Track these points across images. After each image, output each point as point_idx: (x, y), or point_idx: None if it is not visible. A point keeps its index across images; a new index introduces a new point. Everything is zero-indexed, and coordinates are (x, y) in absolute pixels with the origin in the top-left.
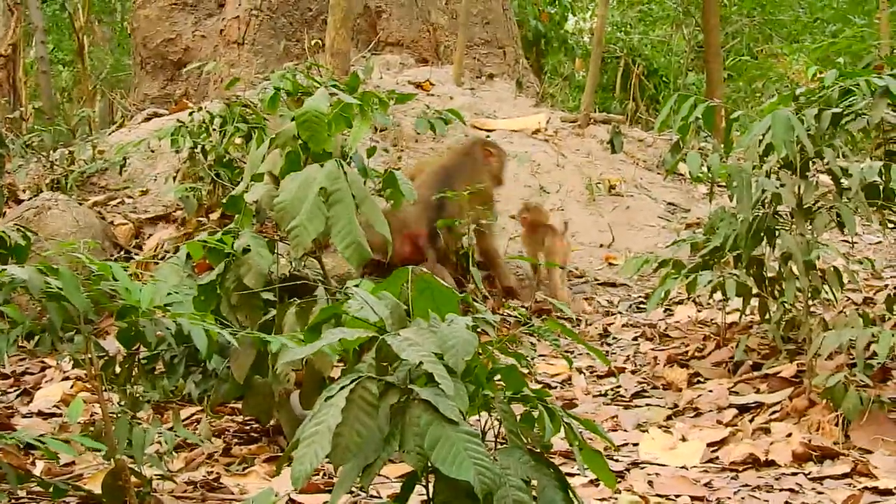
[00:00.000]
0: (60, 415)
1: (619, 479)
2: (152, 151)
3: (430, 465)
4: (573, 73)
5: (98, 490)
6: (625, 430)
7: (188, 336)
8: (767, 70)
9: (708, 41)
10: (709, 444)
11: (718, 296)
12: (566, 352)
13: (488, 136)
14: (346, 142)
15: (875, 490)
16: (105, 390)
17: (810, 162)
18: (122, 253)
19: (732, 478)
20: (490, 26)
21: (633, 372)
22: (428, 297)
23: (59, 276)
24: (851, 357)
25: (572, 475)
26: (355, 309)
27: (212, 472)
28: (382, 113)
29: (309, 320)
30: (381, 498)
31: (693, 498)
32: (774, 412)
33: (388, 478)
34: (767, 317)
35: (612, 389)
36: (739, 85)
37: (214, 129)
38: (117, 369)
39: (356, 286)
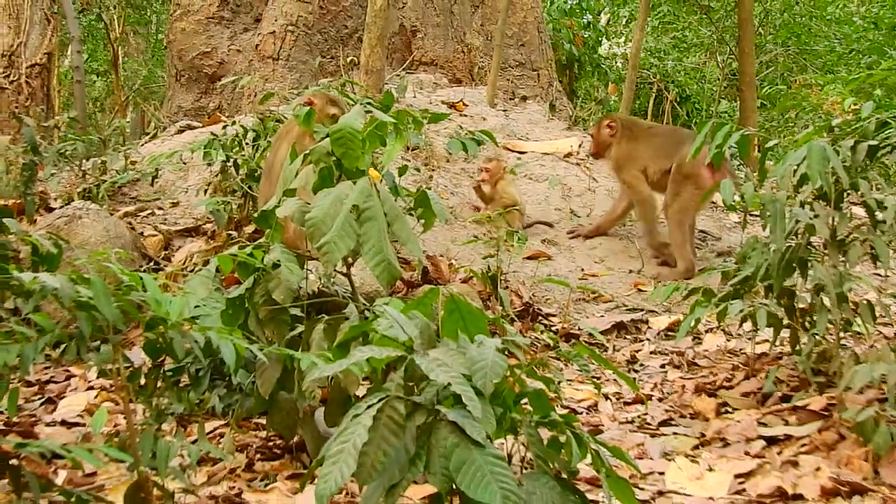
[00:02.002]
0: (84, 425)
1: None
2: (184, 164)
3: (455, 487)
4: (606, 98)
5: (120, 501)
6: (651, 459)
7: (215, 349)
8: (801, 100)
9: (742, 69)
10: (736, 476)
11: (748, 326)
12: (594, 377)
13: (519, 159)
14: (380, 160)
15: None
16: (130, 401)
17: (845, 193)
18: (152, 264)
19: None
20: (525, 48)
21: (660, 400)
22: (457, 318)
23: (90, 285)
24: (882, 392)
25: (598, 503)
26: (384, 327)
27: (234, 487)
28: (416, 132)
29: (337, 337)
30: None
31: None
32: (803, 445)
33: (412, 499)
34: (798, 348)
35: (639, 417)
36: (772, 114)
37: (247, 143)
38: (143, 380)
39: (385, 304)
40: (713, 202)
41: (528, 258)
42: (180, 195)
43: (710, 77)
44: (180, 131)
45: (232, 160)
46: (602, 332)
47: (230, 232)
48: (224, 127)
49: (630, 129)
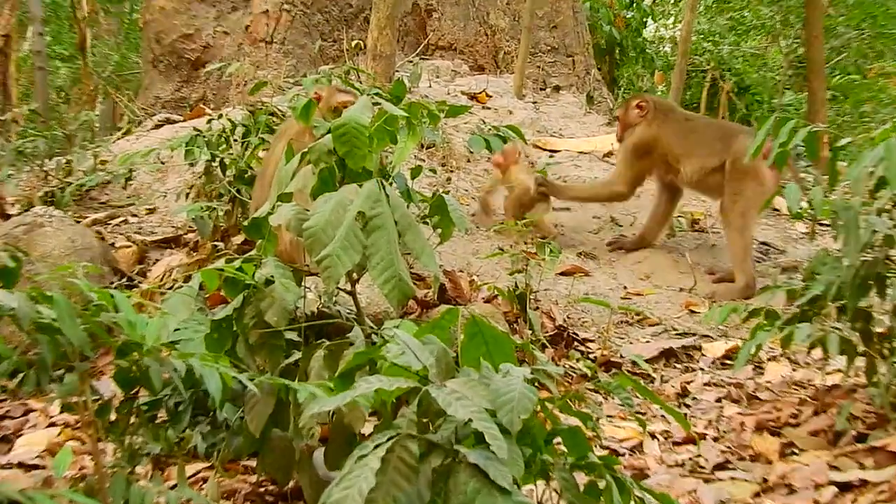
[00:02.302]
0: (45, 467)
1: None
2: (162, 164)
3: None
4: (652, 87)
5: None
6: None
7: (198, 379)
8: (878, 91)
9: (810, 55)
10: None
11: (818, 353)
12: (638, 413)
13: (552, 157)
14: (389, 159)
15: None
16: (99, 440)
17: None
18: (124, 280)
19: None
20: (557, 31)
21: (715, 439)
22: (479, 344)
23: (52, 304)
24: None
25: None
26: (394, 354)
27: None
28: (432, 127)
29: (339, 366)
30: None
31: None
32: (881, 492)
33: None
34: (875, 379)
35: (690, 459)
36: (845, 108)
37: (236, 140)
38: (113, 416)
39: (396, 328)
40: (775, 209)
41: (562, 274)
42: (158, 200)
43: (772, 64)
44: (158, 126)
45: (218, 160)
46: (648, 361)
47: (216, 243)
48: (209, 121)
49: (664, 115)
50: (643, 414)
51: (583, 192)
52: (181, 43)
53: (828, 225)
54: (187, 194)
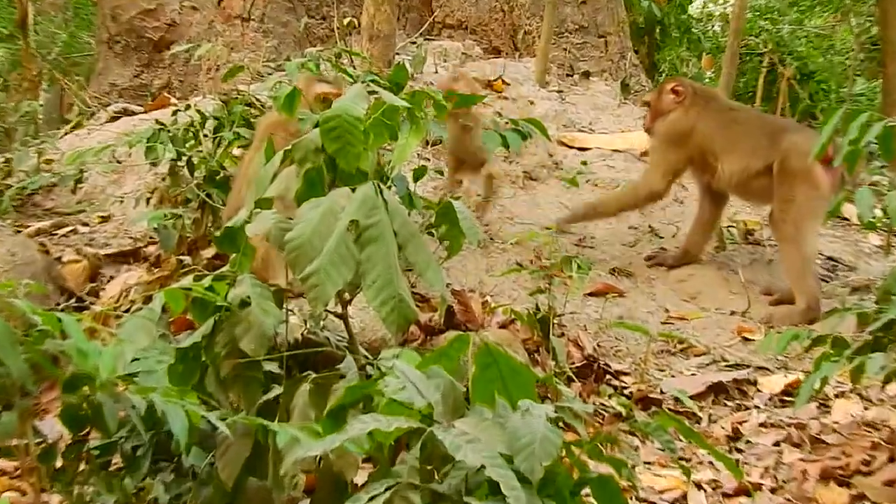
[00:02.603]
0: None
1: None
2: (119, 163)
3: None
4: (699, 73)
5: None
6: None
7: (160, 419)
8: None
9: (885, 36)
10: None
11: (894, 388)
12: (681, 459)
13: (584, 163)
14: (388, 158)
15: None
16: (42, 490)
17: None
18: (73, 301)
19: None
20: (587, 7)
21: (773, 490)
22: (494, 377)
23: None
24: None
25: None
26: (393, 389)
27: None
28: (438, 121)
29: (328, 403)
30: None
31: None
32: None
33: None
34: None
35: None
36: None
37: (206, 135)
38: (60, 461)
39: (395, 358)
40: (844, 218)
41: (592, 295)
42: (113, 206)
43: (840, 47)
44: (114, 118)
45: (185, 158)
46: (693, 397)
47: (181, 257)
48: (174, 112)
49: (705, 102)
50: (687, 460)
51: (610, 205)
52: (141, 20)
53: None
54: (148, 199)
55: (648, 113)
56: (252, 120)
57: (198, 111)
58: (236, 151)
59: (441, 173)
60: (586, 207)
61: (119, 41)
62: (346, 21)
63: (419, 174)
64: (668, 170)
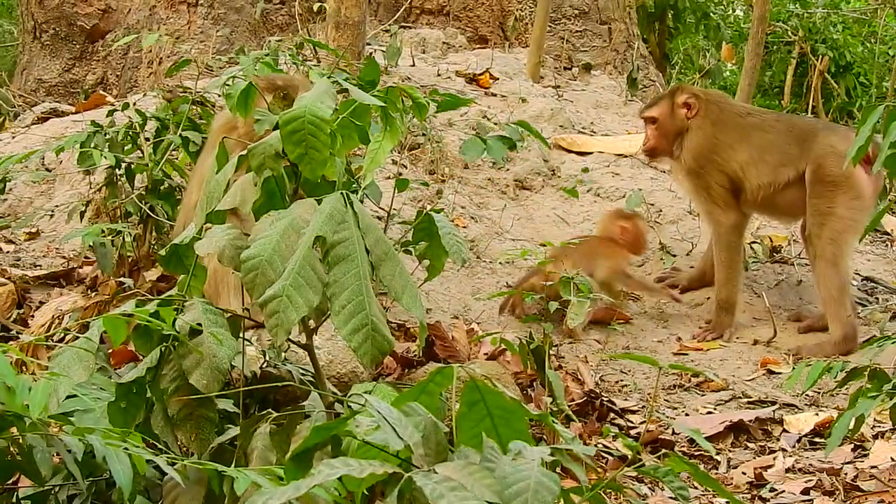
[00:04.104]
0: None
1: None
2: (48, 171)
3: None
4: (718, 66)
5: None
6: None
7: (100, 464)
8: None
9: None
10: None
11: None
12: None
13: (586, 170)
14: (359, 165)
15: None
16: None
17: None
18: None
19: None
20: None
21: None
22: (481, 415)
23: None
24: None
25: None
26: (366, 430)
27: None
28: (417, 122)
29: (291, 445)
30: None
31: None
32: None
33: None
34: None
35: None
36: None
37: (148, 139)
38: None
39: (368, 393)
40: (886, 232)
41: (595, 321)
42: (42, 221)
43: (882, 35)
44: (41, 119)
45: (124, 165)
46: (709, 438)
47: (122, 279)
48: (111, 113)
49: (719, 109)
50: None
51: (723, 265)
52: (72, 5)
53: None
54: (82, 213)
55: (653, 131)
56: (200, 121)
57: (138, 111)
58: (182, 158)
59: (426, 184)
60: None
61: (46, 30)
62: (315, 6)
63: (402, 186)
64: (722, 197)
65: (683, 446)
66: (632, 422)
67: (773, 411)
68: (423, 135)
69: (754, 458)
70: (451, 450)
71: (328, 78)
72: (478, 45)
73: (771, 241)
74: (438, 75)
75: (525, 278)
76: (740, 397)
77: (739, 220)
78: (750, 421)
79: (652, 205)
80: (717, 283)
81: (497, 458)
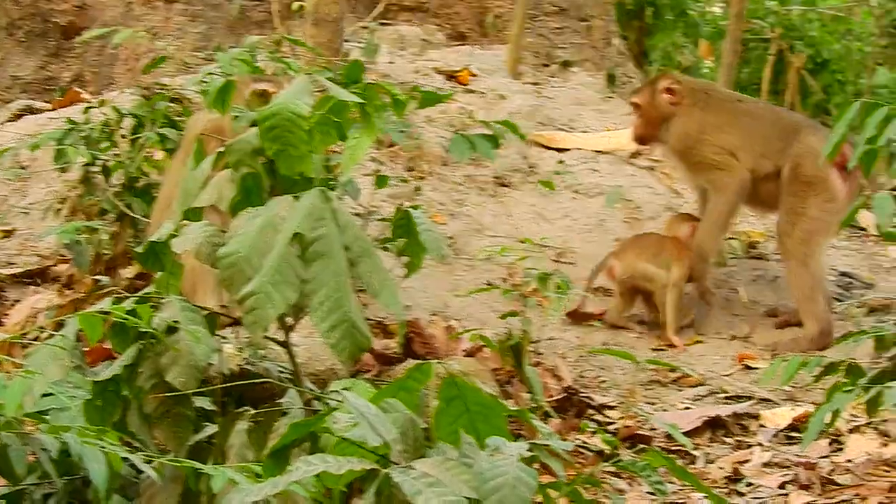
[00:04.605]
0: None
1: None
2: (23, 168)
3: None
4: (696, 63)
5: None
6: None
7: (76, 462)
8: None
9: None
10: None
11: None
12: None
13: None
14: (337, 162)
15: None
16: None
17: None
18: None
19: None
20: None
21: None
22: (460, 411)
23: None
24: None
25: None
26: (344, 426)
27: None
28: (396, 119)
29: (269, 442)
30: None
31: None
32: None
33: None
34: None
35: None
36: None
37: (124, 136)
38: None
39: (346, 390)
40: (860, 228)
41: (573, 317)
42: (17, 219)
43: (860, 31)
44: (16, 117)
45: (100, 162)
46: (687, 433)
47: (98, 277)
48: (87, 110)
49: (706, 96)
50: (681, 503)
51: (720, 217)
52: (47, 2)
53: None
54: (58, 211)
55: (638, 118)
56: (177, 118)
57: (114, 108)
58: (159, 155)
59: (405, 181)
60: (700, 237)
61: (21, 27)
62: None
63: (381, 183)
64: (723, 161)
65: (661, 442)
66: (610, 417)
67: (750, 406)
68: (402, 131)
69: (731, 452)
70: (429, 446)
71: (307, 76)
72: (456, 42)
73: (748, 236)
74: (417, 72)
75: (596, 271)
76: (717, 393)
77: (746, 178)
78: (727, 416)
79: (630, 201)
80: (702, 233)
81: (475, 454)
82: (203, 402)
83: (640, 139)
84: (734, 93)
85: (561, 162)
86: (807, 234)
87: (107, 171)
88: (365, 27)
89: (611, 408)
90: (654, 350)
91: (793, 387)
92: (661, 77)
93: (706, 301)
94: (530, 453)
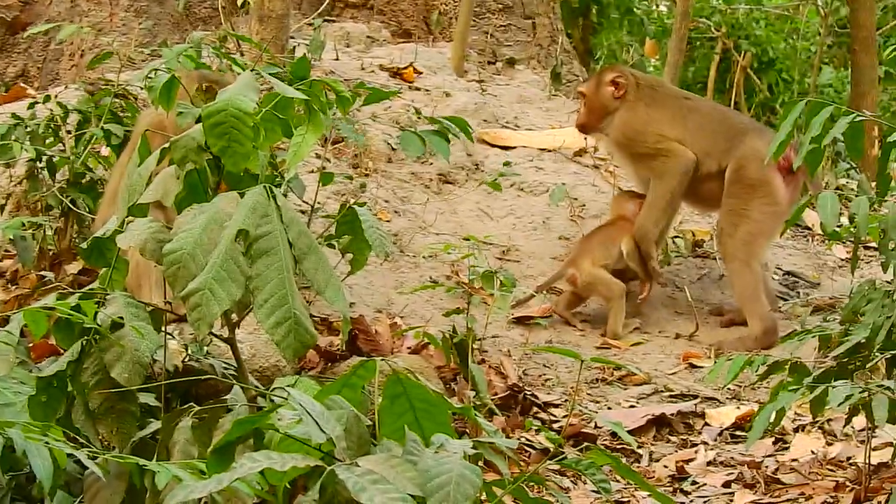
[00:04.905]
0: None
1: None
2: None
3: None
4: (641, 61)
5: None
6: None
7: (19, 458)
8: None
9: (855, 19)
10: None
11: (860, 420)
12: (618, 502)
13: (507, 164)
14: (282, 159)
15: None
16: None
17: None
18: None
19: None
20: None
21: None
22: (404, 408)
23: None
24: None
25: None
26: (289, 423)
27: None
28: (341, 116)
29: (213, 439)
30: None
31: None
32: None
33: None
34: None
35: None
36: None
37: (69, 132)
38: None
39: (290, 387)
40: (806, 227)
41: (518, 318)
42: None
43: (805, 31)
44: None
45: (45, 158)
46: (632, 432)
47: (42, 272)
48: (32, 105)
49: (652, 90)
50: (625, 502)
51: (659, 203)
52: None
53: (876, 248)
54: (3, 206)
55: (583, 107)
56: (122, 114)
57: (59, 104)
58: (104, 151)
59: (351, 178)
60: (640, 223)
61: None
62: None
63: (326, 180)
64: (666, 148)
65: (606, 440)
66: (554, 416)
67: (695, 405)
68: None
69: (676, 451)
70: (374, 443)
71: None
72: (402, 40)
73: (693, 235)
74: (362, 69)
75: (554, 278)
76: (662, 391)
77: (689, 161)
78: (672, 414)
79: (575, 199)
80: (643, 216)
81: (419, 452)
82: (147, 399)
83: (583, 128)
84: (682, 90)
85: (507, 163)
86: (749, 236)
87: (52, 167)
88: (310, 24)
89: (555, 406)
90: (598, 348)
91: (737, 386)
92: (608, 69)
93: (655, 280)
94: (475, 451)
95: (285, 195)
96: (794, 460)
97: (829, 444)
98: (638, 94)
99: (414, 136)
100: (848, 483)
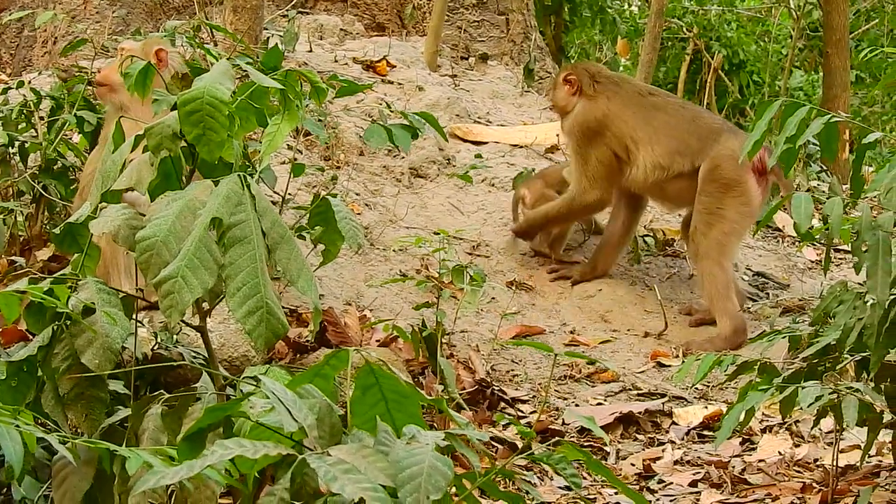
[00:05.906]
0: None
1: None
2: None
3: None
4: (613, 59)
5: None
6: None
7: None
8: None
9: (828, 23)
10: None
11: (829, 423)
12: (586, 499)
13: (479, 156)
14: (256, 148)
15: None
16: None
17: None
18: None
19: None
20: None
21: None
22: (376, 399)
23: None
24: None
25: None
26: (260, 412)
27: None
28: (315, 108)
29: (183, 426)
30: None
31: None
32: None
33: None
34: None
35: None
36: (874, 93)
37: (42, 118)
38: None
39: (262, 375)
40: (777, 228)
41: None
42: None
43: (777, 33)
44: None
45: (17, 144)
46: (601, 428)
47: (13, 258)
48: (5, 91)
49: (614, 86)
50: (593, 500)
51: (552, 211)
52: None
53: (847, 250)
54: None
55: (555, 111)
56: (95, 101)
57: (32, 90)
58: (76, 138)
59: (321, 170)
60: (527, 217)
61: None
62: None
63: (298, 171)
64: (596, 174)
65: (573, 436)
66: (522, 411)
67: (663, 404)
68: (320, 120)
69: (643, 449)
70: (345, 433)
71: (227, 61)
72: (375, 33)
73: (664, 234)
74: (335, 62)
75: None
76: (630, 389)
77: (599, 202)
78: (639, 413)
79: None
80: (535, 214)
81: (391, 442)
82: (117, 385)
83: (561, 128)
84: (648, 86)
85: (478, 155)
86: (723, 236)
87: (24, 153)
88: (284, 16)
89: (523, 401)
90: (567, 345)
91: (706, 385)
92: (563, 69)
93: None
94: (445, 443)
95: (258, 183)
96: (761, 461)
97: (797, 446)
98: (597, 89)
99: (379, 128)
100: (815, 484)
